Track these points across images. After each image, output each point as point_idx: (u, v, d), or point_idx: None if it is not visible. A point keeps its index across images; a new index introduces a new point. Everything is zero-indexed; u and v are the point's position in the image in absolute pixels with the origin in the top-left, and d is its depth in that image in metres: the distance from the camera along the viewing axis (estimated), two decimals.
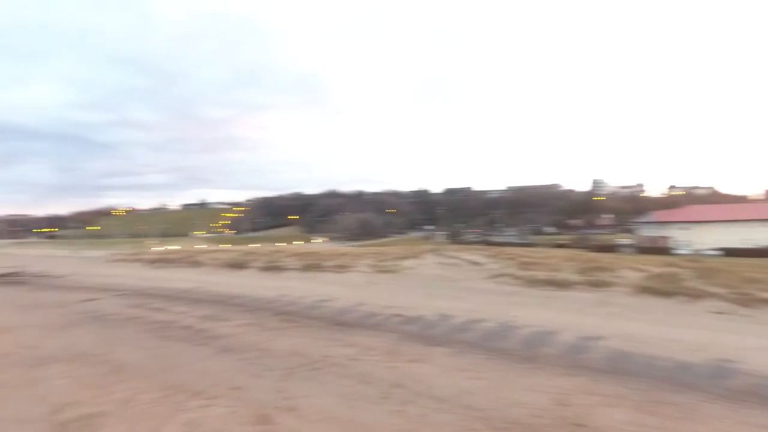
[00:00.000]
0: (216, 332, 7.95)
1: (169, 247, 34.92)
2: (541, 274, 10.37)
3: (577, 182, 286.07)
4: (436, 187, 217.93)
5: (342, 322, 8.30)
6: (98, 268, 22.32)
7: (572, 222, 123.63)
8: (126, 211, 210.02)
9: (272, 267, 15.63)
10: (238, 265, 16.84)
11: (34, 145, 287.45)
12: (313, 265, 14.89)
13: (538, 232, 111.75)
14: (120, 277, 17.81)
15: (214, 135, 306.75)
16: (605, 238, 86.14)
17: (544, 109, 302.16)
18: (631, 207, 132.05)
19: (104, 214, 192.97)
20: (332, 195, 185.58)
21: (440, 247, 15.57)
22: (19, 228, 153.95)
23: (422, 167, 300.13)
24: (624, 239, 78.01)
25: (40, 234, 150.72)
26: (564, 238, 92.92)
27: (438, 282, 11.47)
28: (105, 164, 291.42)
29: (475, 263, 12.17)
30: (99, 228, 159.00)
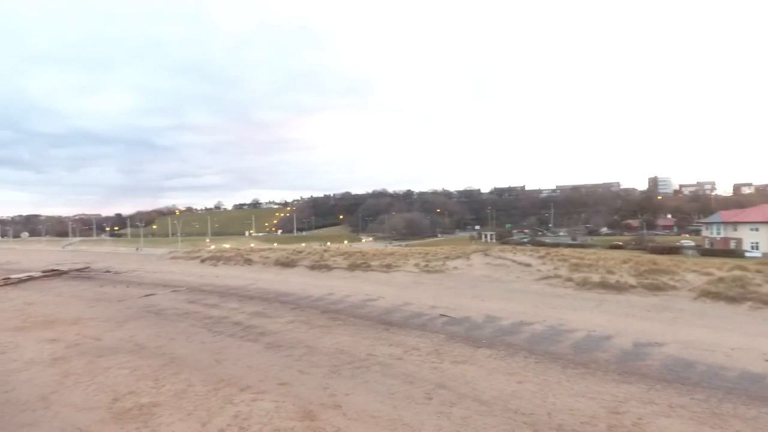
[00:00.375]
0: (265, 328, 8.20)
1: (223, 246, 36.38)
2: (595, 277, 9.95)
3: (636, 181, 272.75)
4: (485, 186, 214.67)
5: (387, 321, 8.33)
6: (157, 265, 23.56)
7: (630, 222, 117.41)
8: (183, 211, 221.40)
9: (320, 265, 15.92)
10: (287, 264, 17.28)
11: (104, 149, 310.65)
12: (359, 264, 15.04)
13: (593, 233, 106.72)
14: (177, 274, 18.74)
15: (267, 137, 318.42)
16: (666, 239, 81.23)
17: (601, 105, 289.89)
18: (694, 206, 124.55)
19: (164, 213, 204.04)
20: (380, 195, 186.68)
21: (488, 248, 15.29)
22: (89, 227, 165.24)
23: (471, 167, 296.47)
24: (686, 240, 73.44)
25: (107, 232, 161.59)
26: (620, 239, 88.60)
27: (485, 283, 11.28)
28: (166, 167, 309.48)
29: (525, 264, 11.86)
30: (158, 227, 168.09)
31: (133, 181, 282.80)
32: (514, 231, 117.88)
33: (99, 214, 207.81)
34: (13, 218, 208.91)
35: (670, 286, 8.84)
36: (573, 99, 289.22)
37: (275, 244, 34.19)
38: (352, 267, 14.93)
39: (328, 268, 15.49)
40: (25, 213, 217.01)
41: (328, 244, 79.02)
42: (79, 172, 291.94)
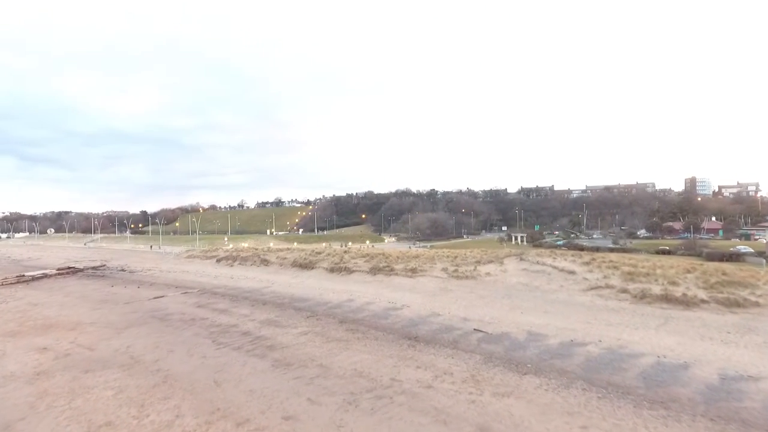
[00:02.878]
0: (275, 341, 7.43)
1: (242, 245, 36.11)
2: (655, 288, 8.78)
3: (671, 181, 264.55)
4: (512, 186, 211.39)
5: (413, 335, 7.44)
6: (173, 264, 23.22)
7: (671, 225, 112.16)
8: (206, 209, 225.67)
9: (339, 268, 15.13)
10: (305, 265, 16.57)
11: (134, 148, 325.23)
12: (382, 267, 14.18)
13: (630, 236, 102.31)
14: (191, 274, 18.25)
15: (290, 136, 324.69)
16: (718, 243, 76.23)
17: (632, 102, 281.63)
18: (738, 209, 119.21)
19: (188, 211, 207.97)
20: (403, 194, 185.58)
21: (523, 251, 14.22)
22: (114, 224, 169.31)
23: (497, 166, 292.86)
24: (742, 246, 68.87)
25: (131, 229, 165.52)
26: (664, 243, 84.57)
27: (524, 292, 10.25)
28: (192, 165, 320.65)
29: (568, 271, 10.76)
30: (181, 225, 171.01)
31: (161, 180, 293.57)
32: (545, 233, 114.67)
33: (126, 212, 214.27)
34: (45, 214, 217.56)
35: (751, 302, 7.64)
36: (602, 97, 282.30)
37: (295, 244, 33.70)
38: (374, 270, 14.09)
39: (348, 271, 14.68)
40: (56, 210, 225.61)
41: (350, 244, 78.47)
42: (110, 171, 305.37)
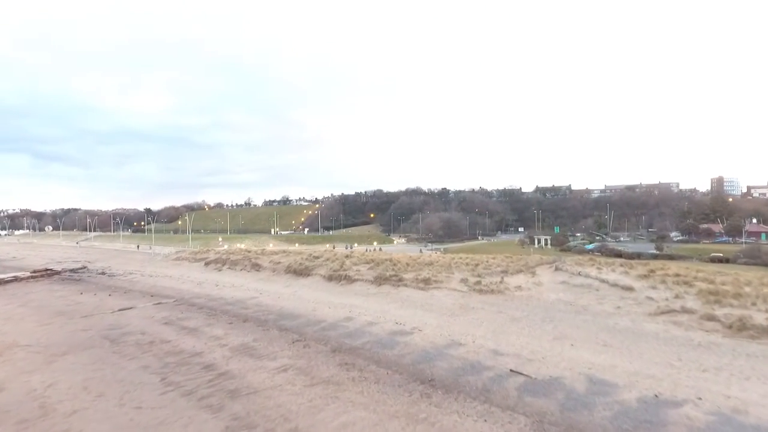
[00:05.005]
0: (242, 381, 5.73)
1: (237, 245, 34.68)
2: (757, 315, 6.76)
3: (695, 181, 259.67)
4: (527, 185, 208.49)
5: (428, 377, 5.69)
6: (157, 267, 21.76)
7: (709, 227, 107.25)
8: (211, 207, 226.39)
9: (339, 276, 13.40)
10: (300, 272, 14.88)
11: (147, 147, 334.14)
12: (389, 276, 12.42)
13: (663, 239, 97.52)
14: (173, 279, 16.72)
15: (301, 135, 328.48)
16: None
17: (647, 99, 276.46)
18: None
19: (193, 209, 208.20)
20: (414, 193, 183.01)
21: (556, 258, 12.36)
22: (113, 222, 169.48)
23: (511, 164, 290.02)
24: None
25: (132, 228, 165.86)
26: (711, 248, 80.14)
27: (569, 314, 8.36)
28: (205, 164, 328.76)
29: (622, 287, 8.85)
30: (183, 223, 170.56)
31: (173, 178, 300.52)
32: (567, 234, 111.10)
33: (136, 209, 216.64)
34: (54, 212, 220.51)
35: None
36: (618, 93, 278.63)
37: (296, 245, 32.20)
38: (379, 280, 12.32)
39: (349, 279, 12.94)
40: (65, 207, 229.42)
41: (355, 246, 76.73)
42: (123, 169, 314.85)
